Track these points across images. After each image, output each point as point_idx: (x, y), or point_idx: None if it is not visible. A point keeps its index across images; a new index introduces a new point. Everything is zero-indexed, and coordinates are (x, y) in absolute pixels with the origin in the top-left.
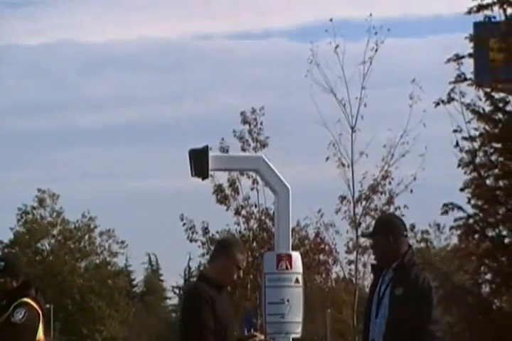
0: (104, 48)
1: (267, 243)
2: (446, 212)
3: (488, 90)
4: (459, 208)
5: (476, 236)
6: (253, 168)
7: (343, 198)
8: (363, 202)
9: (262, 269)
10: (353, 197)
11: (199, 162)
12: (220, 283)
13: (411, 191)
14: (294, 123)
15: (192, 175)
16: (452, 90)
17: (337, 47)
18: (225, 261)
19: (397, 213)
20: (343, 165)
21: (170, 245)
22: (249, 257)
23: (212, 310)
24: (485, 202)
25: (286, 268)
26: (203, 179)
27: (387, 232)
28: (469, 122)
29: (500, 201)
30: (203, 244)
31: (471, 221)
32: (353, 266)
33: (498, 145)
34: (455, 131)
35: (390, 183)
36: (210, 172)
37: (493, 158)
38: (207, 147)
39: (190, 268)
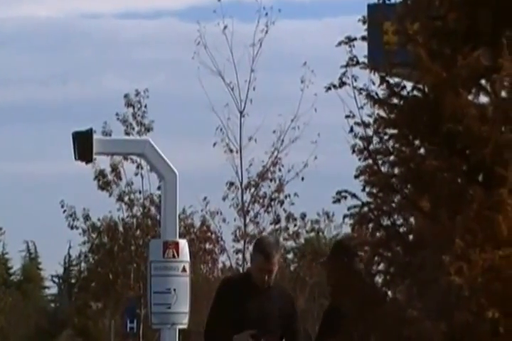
0: None
1: (151, 230)
2: (338, 200)
3: (383, 74)
4: (353, 196)
5: (371, 225)
6: (139, 152)
7: (230, 184)
8: (252, 189)
9: (147, 257)
10: (241, 183)
11: (83, 145)
12: (256, 284)
13: (302, 179)
14: (181, 107)
15: (75, 158)
16: (344, 74)
17: (225, 28)
18: (250, 263)
19: (287, 201)
20: (231, 150)
21: (49, 232)
22: (132, 245)
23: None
24: (380, 190)
25: (173, 256)
26: (87, 163)
27: None
28: (362, 108)
29: (395, 189)
30: (84, 231)
31: (365, 209)
32: (240, 255)
33: (394, 132)
34: (347, 116)
35: (279, 170)
36: (94, 157)
37: (389, 144)
38: (91, 130)
39: (70, 256)
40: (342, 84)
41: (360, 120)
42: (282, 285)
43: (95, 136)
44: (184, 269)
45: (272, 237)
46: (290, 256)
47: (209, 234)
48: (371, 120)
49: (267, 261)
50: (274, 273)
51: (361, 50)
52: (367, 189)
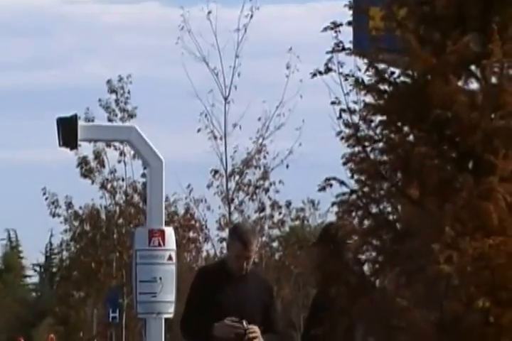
0: None
1: (134, 218)
2: (323, 188)
3: (371, 60)
4: (342, 183)
5: (359, 212)
6: (124, 138)
7: (215, 172)
8: (236, 177)
9: (132, 245)
10: (225, 171)
11: (67, 131)
12: (232, 272)
13: (287, 166)
14: (164, 93)
15: (60, 144)
16: (330, 60)
17: (209, 13)
18: (227, 250)
19: (272, 189)
20: (216, 137)
21: (31, 220)
22: (114, 234)
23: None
24: (368, 177)
25: (159, 244)
26: (72, 149)
27: None
28: (348, 94)
29: (384, 176)
30: (66, 219)
31: (353, 197)
32: (224, 244)
33: (383, 118)
34: (333, 103)
35: (264, 157)
36: (78, 143)
37: (378, 131)
38: (76, 115)
39: (51, 244)
40: (328, 70)
41: (346, 106)
42: (259, 273)
43: (80, 122)
44: (170, 257)
45: (249, 223)
46: (275, 244)
47: (193, 222)
48: (357, 107)
49: (244, 247)
50: (252, 259)
51: (347, 35)
52: (355, 176)
